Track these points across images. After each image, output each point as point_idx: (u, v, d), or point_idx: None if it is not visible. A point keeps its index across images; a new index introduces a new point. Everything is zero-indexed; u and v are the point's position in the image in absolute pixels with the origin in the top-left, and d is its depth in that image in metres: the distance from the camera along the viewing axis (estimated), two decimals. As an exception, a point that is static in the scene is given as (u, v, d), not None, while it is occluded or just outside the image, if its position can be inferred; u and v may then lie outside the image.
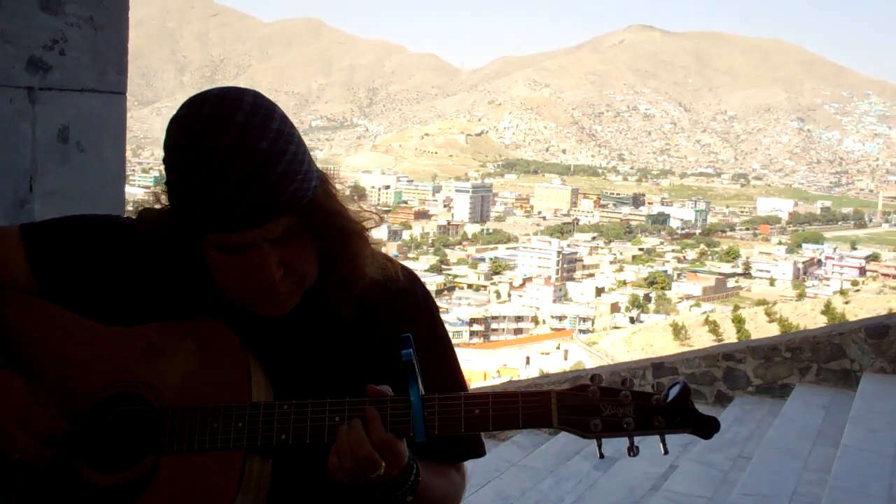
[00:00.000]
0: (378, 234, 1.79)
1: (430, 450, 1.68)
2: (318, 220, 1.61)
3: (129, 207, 2.13)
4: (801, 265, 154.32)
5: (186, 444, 1.63)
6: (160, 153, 1.59)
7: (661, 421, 1.52)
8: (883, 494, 5.22)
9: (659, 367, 9.43)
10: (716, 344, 47.22)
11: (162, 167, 1.53)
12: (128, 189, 3.47)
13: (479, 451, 1.88)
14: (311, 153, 1.63)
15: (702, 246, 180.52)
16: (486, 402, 1.56)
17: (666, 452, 1.54)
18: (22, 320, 1.75)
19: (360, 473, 1.58)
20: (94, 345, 1.71)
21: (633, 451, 1.53)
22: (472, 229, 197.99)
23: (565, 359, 71.57)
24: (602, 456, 1.57)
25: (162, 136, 1.52)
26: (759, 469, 6.30)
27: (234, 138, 1.48)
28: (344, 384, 1.67)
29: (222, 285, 1.64)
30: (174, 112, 1.55)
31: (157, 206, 1.69)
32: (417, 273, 1.86)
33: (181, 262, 1.65)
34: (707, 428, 1.52)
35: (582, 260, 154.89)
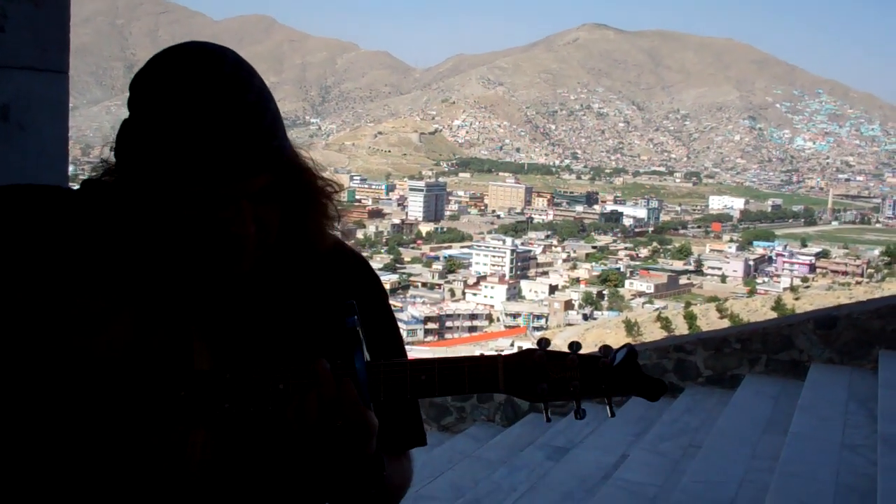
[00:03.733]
0: (338, 199, 1.74)
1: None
2: (292, 179, 1.60)
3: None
4: (752, 262, 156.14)
5: None
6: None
7: (607, 384, 1.49)
8: (830, 480, 5.28)
9: (611, 359, 9.46)
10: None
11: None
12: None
13: (421, 439, 1.84)
14: None
15: (654, 244, 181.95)
16: (432, 367, 1.52)
17: (612, 415, 1.51)
18: None
19: (325, 420, 1.48)
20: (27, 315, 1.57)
21: (579, 414, 1.51)
22: (426, 228, 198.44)
23: (519, 356, 71.75)
24: (549, 419, 1.56)
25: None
26: (709, 457, 6.35)
27: (223, 88, 1.45)
28: (292, 350, 1.63)
29: (187, 245, 1.55)
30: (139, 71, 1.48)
31: (103, 178, 1.62)
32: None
33: (132, 230, 1.57)
34: (653, 390, 1.48)
35: (536, 258, 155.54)
